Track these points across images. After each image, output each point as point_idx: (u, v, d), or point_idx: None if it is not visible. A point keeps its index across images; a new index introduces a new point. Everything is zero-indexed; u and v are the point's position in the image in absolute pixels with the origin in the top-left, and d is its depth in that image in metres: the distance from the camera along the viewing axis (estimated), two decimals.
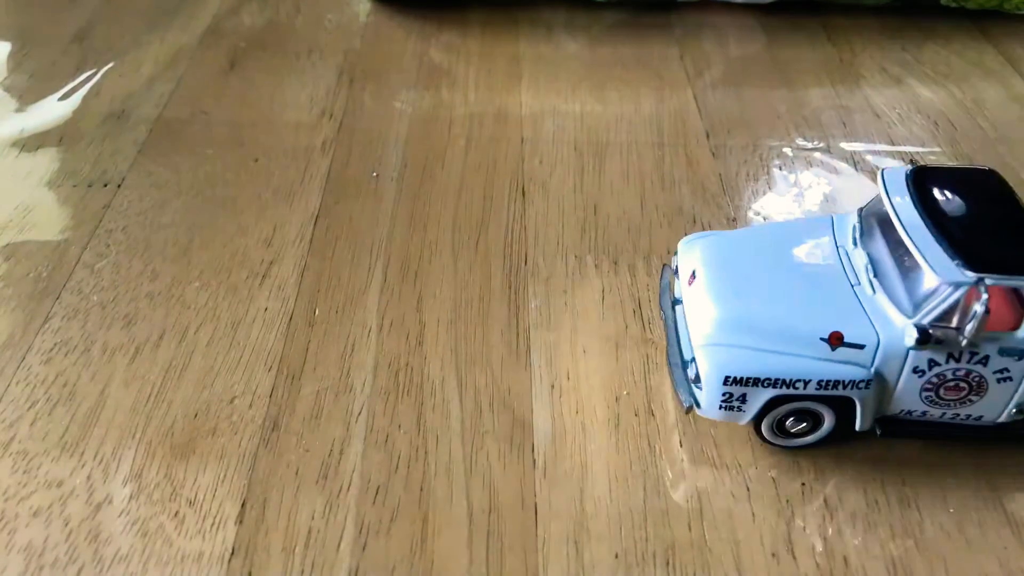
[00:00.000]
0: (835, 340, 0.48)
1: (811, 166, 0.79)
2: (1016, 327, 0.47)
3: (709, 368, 0.49)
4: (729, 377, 0.49)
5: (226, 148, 0.80)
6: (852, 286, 0.50)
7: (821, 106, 0.88)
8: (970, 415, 0.50)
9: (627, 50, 0.97)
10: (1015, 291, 0.47)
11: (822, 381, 0.48)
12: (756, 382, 0.49)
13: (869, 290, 0.49)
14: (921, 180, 0.51)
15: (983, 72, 0.94)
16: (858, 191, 0.76)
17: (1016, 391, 0.49)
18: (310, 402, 0.56)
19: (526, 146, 0.81)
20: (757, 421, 0.51)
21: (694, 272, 0.53)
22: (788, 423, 0.51)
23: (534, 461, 0.53)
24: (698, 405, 0.51)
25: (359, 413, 0.55)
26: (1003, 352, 0.47)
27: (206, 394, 0.56)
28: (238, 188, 0.75)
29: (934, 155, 0.81)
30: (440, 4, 1.03)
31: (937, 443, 0.54)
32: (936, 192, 0.50)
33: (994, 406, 0.50)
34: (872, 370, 0.48)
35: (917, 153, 0.81)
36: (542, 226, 0.71)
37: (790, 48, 0.97)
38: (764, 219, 0.73)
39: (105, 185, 0.75)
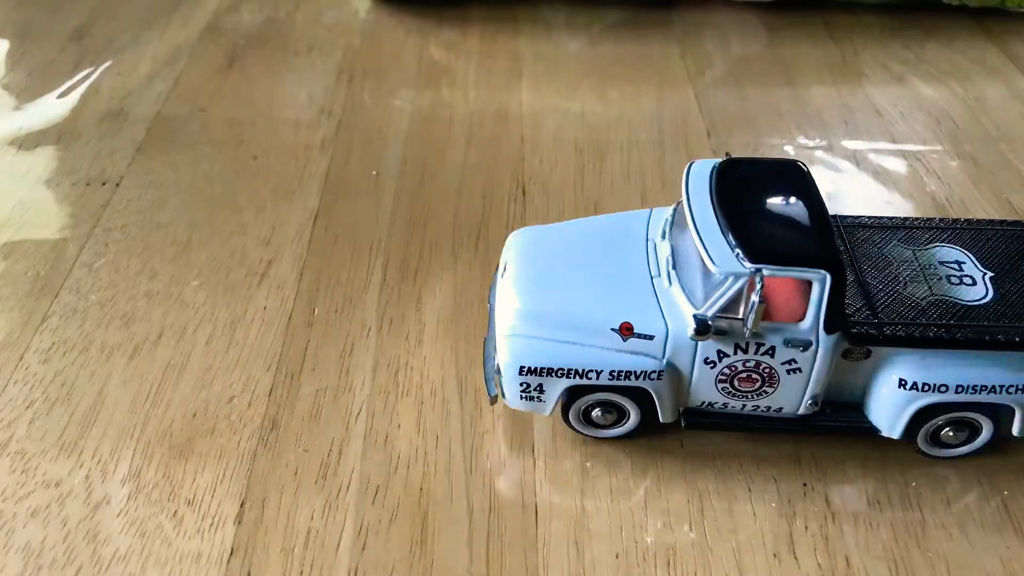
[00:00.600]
0: (625, 331, 0.48)
1: (813, 164, 0.79)
2: (802, 319, 0.47)
3: (506, 358, 0.50)
4: (524, 367, 0.49)
5: (225, 146, 0.79)
6: (652, 278, 0.50)
7: (823, 104, 0.87)
8: (770, 407, 0.51)
9: (628, 48, 0.96)
10: (807, 283, 0.47)
11: (614, 371, 0.49)
12: (550, 372, 0.49)
13: (666, 282, 0.50)
14: (725, 173, 0.51)
15: (985, 70, 0.94)
16: (860, 189, 0.76)
17: (808, 382, 0.49)
18: (309, 402, 0.56)
19: (526, 145, 0.80)
20: (565, 412, 0.52)
21: (506, 265, 0.54)
22: (594, 414, 0.51)
23: (534, 461, 0.52)
24: (504, 395, 0.51)
25: (358, 413, 0.55)
26: (788, 343, 0.47)
27: (204, 394, 0.56)
28: (237, 186, 0.75)
29: (936, 153, 0.81)
30: (440, 2, 1.03)
31: None
32: (736, 185, 0.50)
33: (790, 397, 0.50)
34: (664, 361, 0.49)
35: (919, 151, 0.81)
36: None
37: (791, 46, 0.97)
38: None
39: (103, 184, 0.75)
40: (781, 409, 0.51)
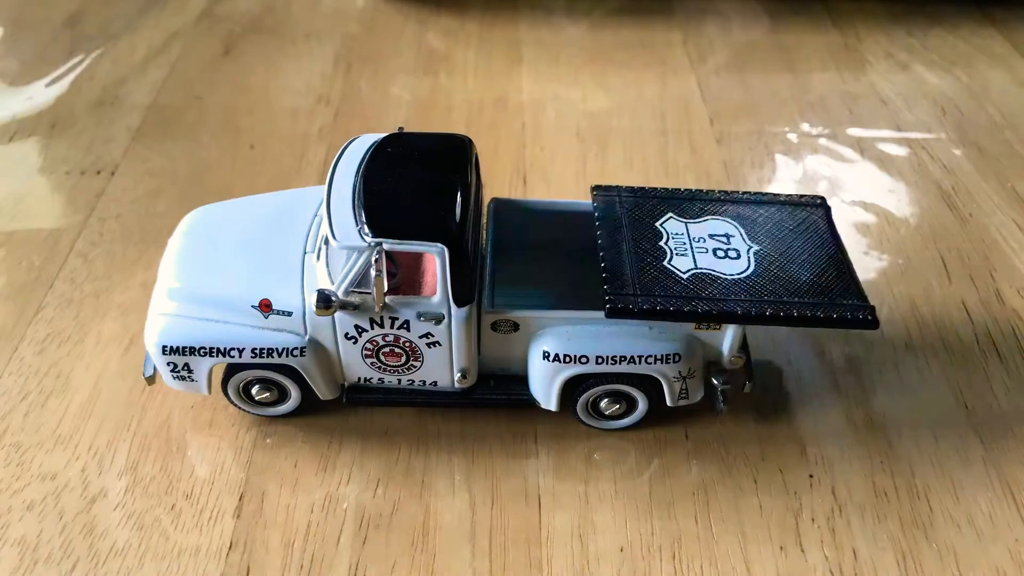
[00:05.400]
0: (264, 307, 0.48)
1: (816, 153, 0.78)
2: (435, 292, 0.47)
3: (151, 338, 0.49)
4: (166, 347, 0.49)
5: (221, 135, 0.78)
6: (305, 254, 0.50)
7: (826, 92, 0.87)
8: (424, 381, 0.50)
9: (629, 35, 0.95)
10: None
11: (256, 348, 0.48)
12: (192, 351, 0.49)
13: (315, 258, 0.49)
14: (382, 147, 0.50)
15: (989, 58, 0.93)
16: (864, 178, 0.75)
17: (451, 355, 0.49)
18: None
19: (527, 133, 0.80)
20: (224, 390, 0.51)
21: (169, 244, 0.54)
22: (253, 391, 0.51)
23: (537, 452, 0.52)
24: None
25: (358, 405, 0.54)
26: (421, 316, 0.47)
27: None
28: (233, 175, 0.74)
29: (940, 141, 0.80)
30: None
31: (948, 434, 0.53)
32: (388, 160, 0.50)
33: (439, 371, 0.50)
34: (307, 337, 0.48)
35: (923, 139, 0.80)
36: None
37: (794, 33, 0.96)
38: None
39: (98, 172, 0.74)
40: (436, 383, 0.50)
